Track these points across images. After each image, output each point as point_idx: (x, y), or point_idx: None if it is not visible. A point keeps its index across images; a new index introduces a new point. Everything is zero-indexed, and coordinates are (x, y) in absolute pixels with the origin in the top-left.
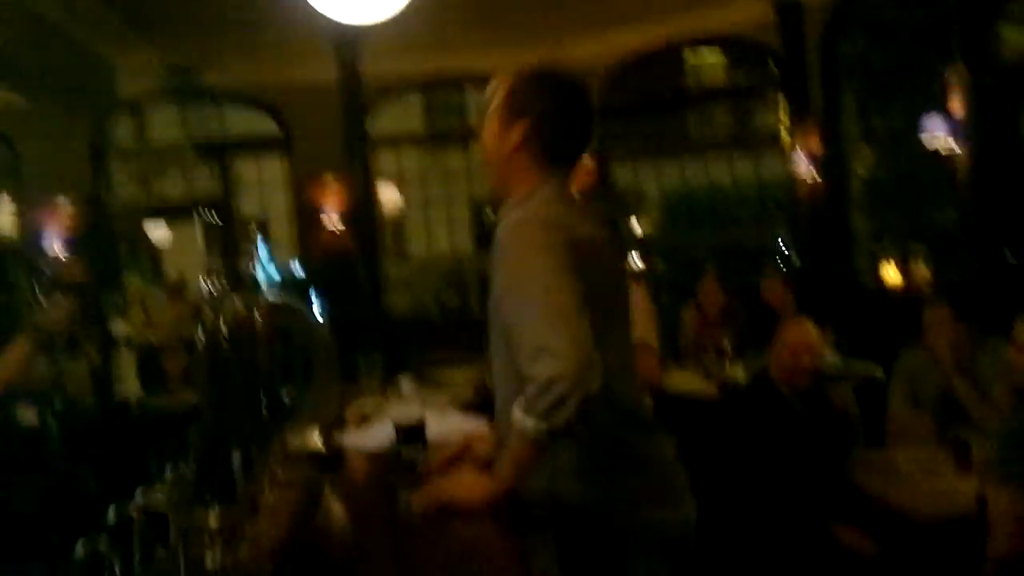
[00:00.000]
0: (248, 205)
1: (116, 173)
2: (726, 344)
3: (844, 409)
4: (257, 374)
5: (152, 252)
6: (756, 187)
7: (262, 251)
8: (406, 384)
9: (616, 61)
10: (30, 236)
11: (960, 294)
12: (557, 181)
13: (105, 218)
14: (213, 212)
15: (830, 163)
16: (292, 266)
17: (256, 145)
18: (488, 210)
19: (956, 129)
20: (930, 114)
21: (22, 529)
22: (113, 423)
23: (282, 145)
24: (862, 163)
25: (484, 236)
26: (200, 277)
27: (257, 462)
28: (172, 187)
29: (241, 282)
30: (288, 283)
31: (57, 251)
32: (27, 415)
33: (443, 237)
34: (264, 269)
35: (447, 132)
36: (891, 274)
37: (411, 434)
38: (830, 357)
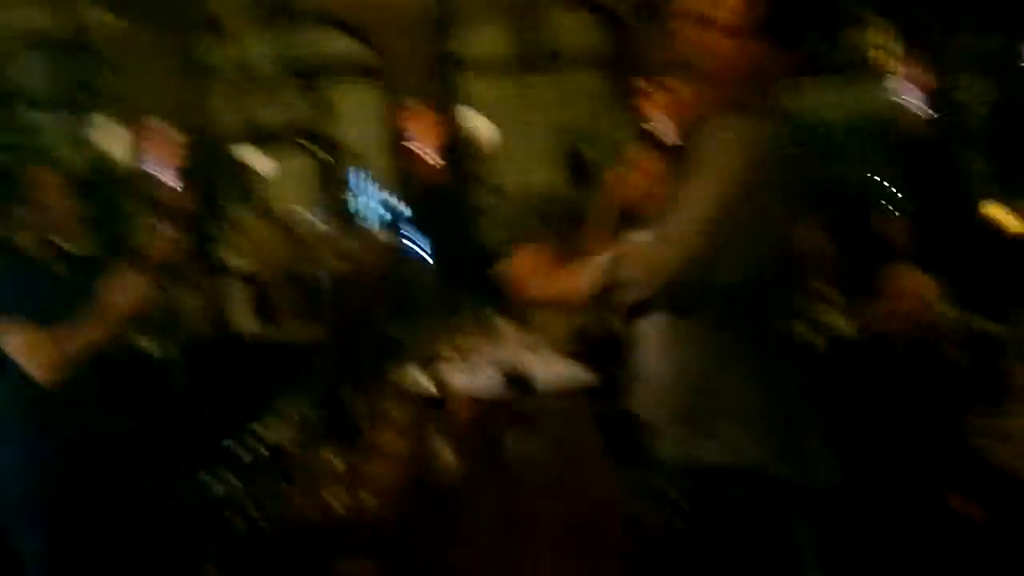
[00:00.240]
0: (344, 133)
1: (211, 98)
2: (830, 292)
3: (959, 366)
4: (371, 312)
5: (254, 183)
6: (857, 119)
7: (368, 188)
8: (503, 323)
9: None
10: (137, 163)
11: None
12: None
13: (207, 145)
14: (319, 146)
15: (941, 94)
16: (395, 202)
17: (349, 71)
18: (583, 145)
19: None
20: None
21: (142, 454)
22: (227, 354)
23: (374, 72)
24: (975, 96)
25: (577, 170)
26: (308, 212)
27: (373, 402)
28: (268, 113)
29: (351, 219)
30: (393, 220)
31: (166, 179)
32: (146, 343)
33: (533, 168)
34: (370, 206)
35: (535, 58)
36: (1011, 220)
37: (518, 380)
38: (944, 309)
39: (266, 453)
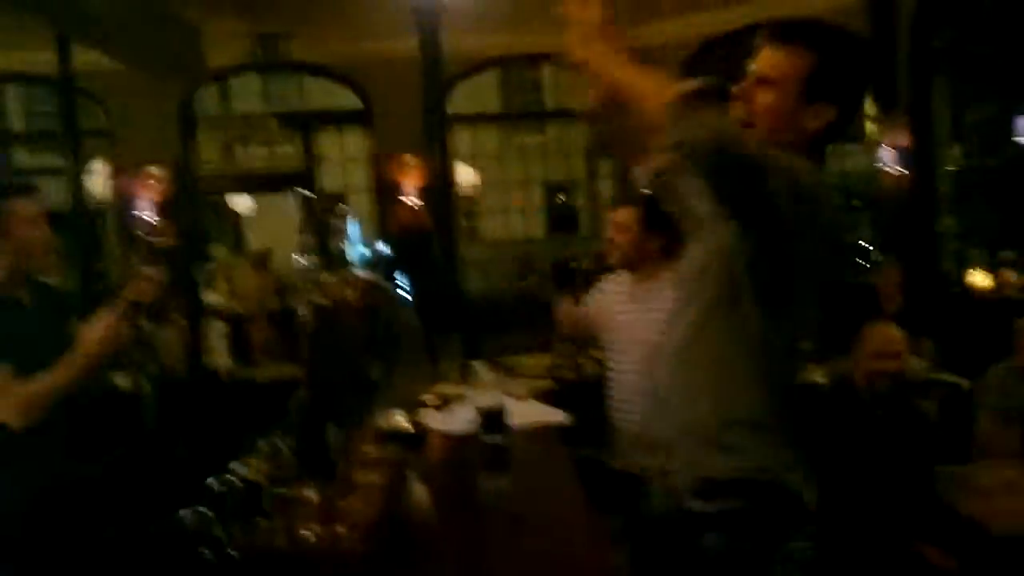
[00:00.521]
0: (329, 178)
1: (201, 142)
2: (805, 345)
3: (929, 419)
4: (351, 351)
5: (235, 222)
6: (837, 179)
7: (351, 229)
8: (481, 369)
9: (695, 45)
10: (121, 200)
11: None
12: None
13: (192, 186)
14: (305, 189)
15: (919, 158)
16: (377, 244)
17: (338, 118)
18: (560, 195)
19: None
20: None
21: (112, 489)
22: (203, 392)
23: (363, 119)
24: (952, 159)
25: (558, 220)
26: (292, 252)
27: (350, 439)
28: (255, 157)
29: (333, 259)
30: (375, 261)
31: (148, 216)
32: (121, 380)
33: (516, 218)
34: (353, 247)
35: (522, 110)
36: (980, 278)
37: (493, 420)
38: (915, 364)
39: (241, 486)
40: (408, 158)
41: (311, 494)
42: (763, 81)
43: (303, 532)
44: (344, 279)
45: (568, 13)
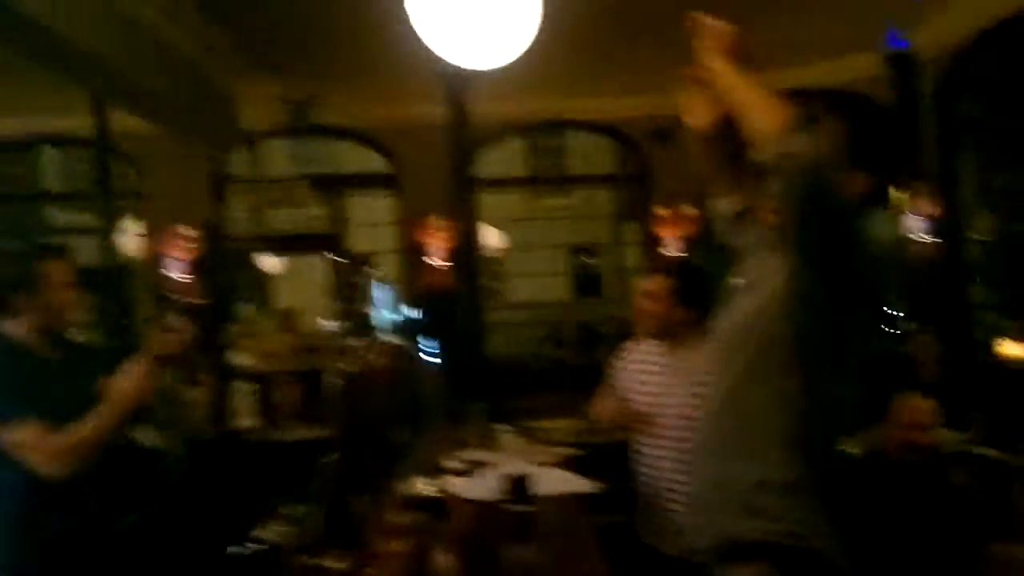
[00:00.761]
0: (358, 240)
1: (231, 203)
2: (845, 411)
3: (963, 492)
4: (379, 418)
5: (263, 283)
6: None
7: (379, 293)
8: (505, 433)
9: (723, 108)
10: (152, 259)
11: None
12: None
13: (222, 246)
14: (334, 251)
15: (946, 227)
16: (404, 308)
17: (366, 181)
18: (584, 256)
19: None
20: None
21: (137, 545)
22: (228, 452)
23: (391, 182)
24: (980, 228)
25: (583, 284)
26: (318, 313)
27: (375, 507)
28: (284, 219)
29: (360, 324)
30: (402, 326)
31: (177, 275)
32: (148, 436)
33: (542, 282)
34: (381, 312)
35: (548, 176)
36: (1012, 348)
37: (518, 488)
38: (949, 436)
39: (264, 551)
40: (435, 221)
41: (335, 563)
42: None
43: None
44: (371, 345)
45: (697, 23)
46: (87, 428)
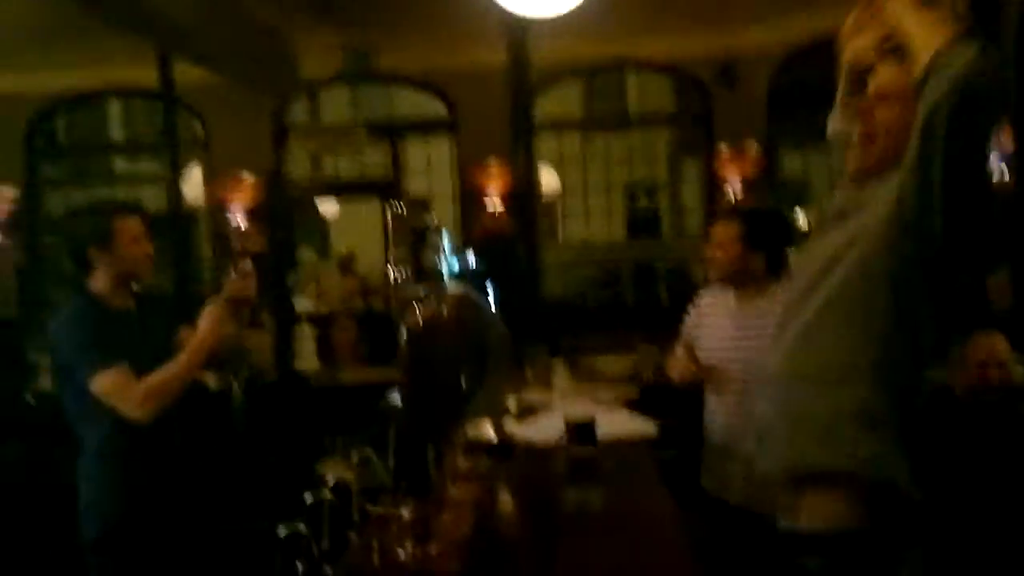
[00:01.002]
0: (415, 185)
1: (291, 150)
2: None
3: None
4: (446, 367)
5: (322, 227)
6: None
7: (443, 241)
8: (563, 374)
9: (786, 49)
10: (215, 206)
11: None
12: None
13: (283, 192)
14: (399, 202)
15: (1020, 161)
16: (467, 256)
17: (424, 127)
18: (641, 196)
19: None
20: None
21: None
22: (291, 395)
23: (449, 127)
24: None
25: (637, 224)
26: (376, 256)
27: (443, 453)
28: (343, 166)
29: (425, 273)
30: (464, 273)
31: (239, 222)
32: (212, 380)
33: (598, 223)
34: (446, 260)
35: (606, 117)
36: None
37: (582, 432)
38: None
39: (331, 497)
40: (493, 164)
41: (405, 512)
42: (883, 97)
43: (397, 551)
44: (437, 294)
45: None
46: (170, 372)
